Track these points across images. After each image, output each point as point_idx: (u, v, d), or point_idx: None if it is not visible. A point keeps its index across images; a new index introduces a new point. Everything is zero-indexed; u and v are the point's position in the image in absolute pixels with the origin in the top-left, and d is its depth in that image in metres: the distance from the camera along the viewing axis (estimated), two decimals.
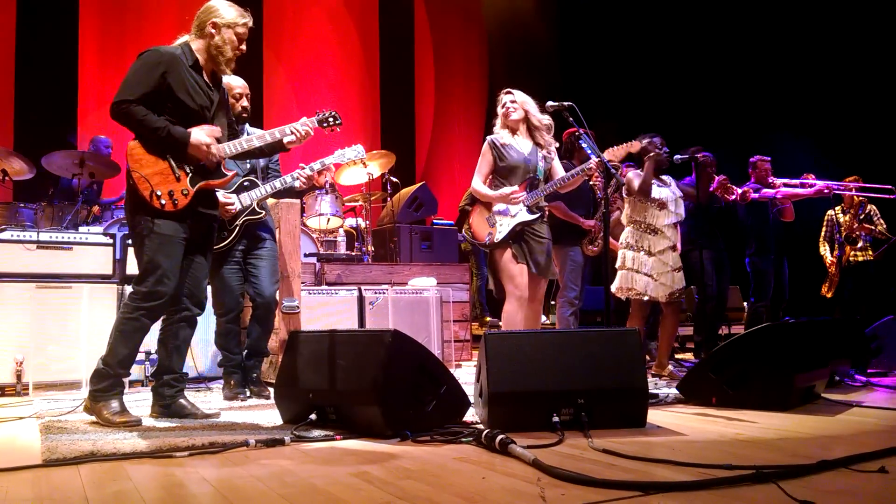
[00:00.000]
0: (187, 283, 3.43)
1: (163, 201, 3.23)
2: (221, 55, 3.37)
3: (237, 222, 4.18)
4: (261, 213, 4.24)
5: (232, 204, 4.11)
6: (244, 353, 4.35)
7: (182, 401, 3.46)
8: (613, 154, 4.29)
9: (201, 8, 3.41)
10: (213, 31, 3.36)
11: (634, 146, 4.42)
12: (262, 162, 4.38)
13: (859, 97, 8.04)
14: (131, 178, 3.24)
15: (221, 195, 4.10)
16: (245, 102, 4.25)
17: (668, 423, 3.17)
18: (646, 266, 4.79)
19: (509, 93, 4.38)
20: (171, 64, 3.27)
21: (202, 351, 5.15)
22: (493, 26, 11.15)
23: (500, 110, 4.38)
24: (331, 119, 3.84)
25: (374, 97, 10.36)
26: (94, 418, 3.27)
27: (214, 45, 3.37)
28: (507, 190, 4.18)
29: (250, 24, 3.45)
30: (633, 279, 4.81)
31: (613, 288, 4.86)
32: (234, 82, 4.25)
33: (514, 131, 4.32)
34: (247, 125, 4.37)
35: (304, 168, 4.22)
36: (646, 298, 4.80)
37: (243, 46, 3.44)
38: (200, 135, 3.29)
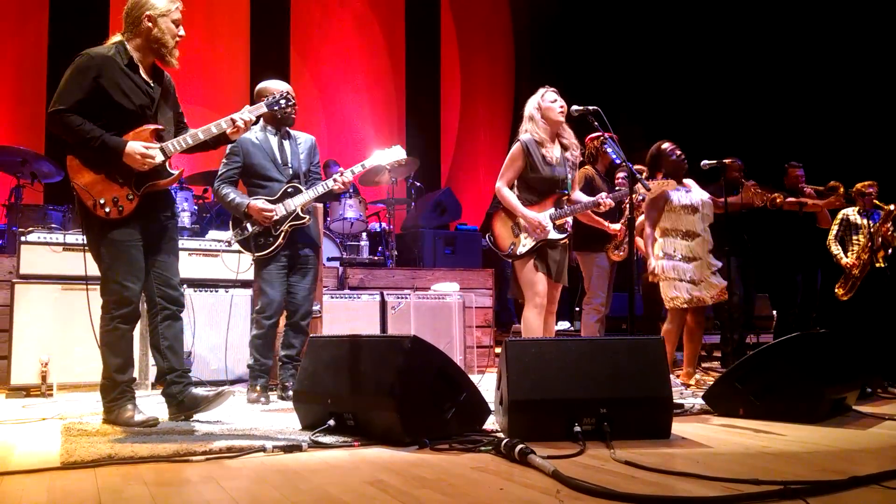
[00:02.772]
0: (156, 284, 3.41)
1: (107, 209, 3.21)
2: (164, 46, 3.34)
3: (282, 228, 4.20)
4: (305, 217, 4.25)
5: (271, 212, 4.13)
6: (280, 361, 4.36)
7: (193, 390, 3.45)
8: (652, 186, 4.23)
9: (128, 4, 3.35)
10: (149, 24, 3.31)
11: (671, 184, 4.36)
12: (304, 166, 4.39)
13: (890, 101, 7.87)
14: (74, 189, 3.22)
15: (261, 203, 4.13)
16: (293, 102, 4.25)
17: (693, 434, 3.10)
18: (688, 273, 4.66)
19: (556, 91, 4.18)
20: (103, 66, 3.22)
21: (222, 354, 5.16)
22: (520, 30, 11.11)
23: (544, 105, 4.14)
24: (283, 102, 3.74)
25: (400, 101, 10.35)
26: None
27: (154, 38, 3.32)
28: (534, 216, 4.06)
29: (181, 7, 3.41)
30: (679, 288, 4.66)
31: (666, 299, 4.74)
32: (278, 86, 4.25)
33: (553, 135, 4.17)
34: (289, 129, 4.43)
35: (343, 172, 4.23)
36: (685, 306, 4.65)
37: (181, 31, 3.39)
38: (135, 146, 3.22)
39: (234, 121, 3.42)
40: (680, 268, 4.67)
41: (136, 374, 3.60)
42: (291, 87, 4.33)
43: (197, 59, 8.66)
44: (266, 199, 4.21)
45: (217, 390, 3.46)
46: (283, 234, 4.20)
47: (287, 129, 4.41)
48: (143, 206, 3.30)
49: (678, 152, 4.82)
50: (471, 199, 9.83)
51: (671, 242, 4.73)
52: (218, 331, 5.17)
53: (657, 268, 4.72)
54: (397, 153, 4.38)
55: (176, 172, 3.41)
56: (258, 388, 4.22)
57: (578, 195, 4.32)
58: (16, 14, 8.14)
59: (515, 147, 4.17)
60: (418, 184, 7.82)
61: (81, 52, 3.27)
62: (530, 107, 4.20)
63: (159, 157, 3.30)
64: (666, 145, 4.84)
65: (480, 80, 10.98)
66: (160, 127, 3.36)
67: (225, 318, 5.17)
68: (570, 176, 4.22)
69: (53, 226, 5.38)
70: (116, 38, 3.37)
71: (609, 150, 4.39)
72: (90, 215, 3.24)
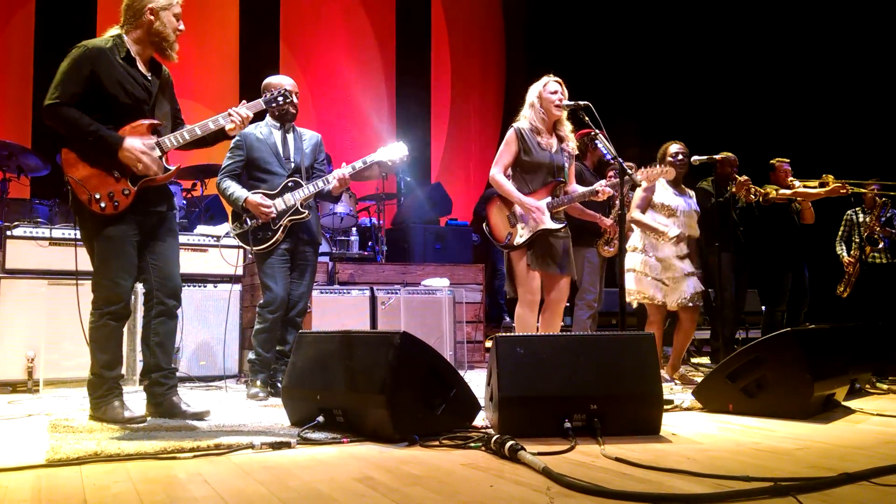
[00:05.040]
0: (154, 276, 3.38)
1: (102, 204, 3.16)
2: (164, 39, 3.32)
3: (281, 222, 4.18)
4: (304, 212, 4.22)
5: (269, 207, 4.12)
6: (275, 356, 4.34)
7: (174, 398, 3.41)
8: (646, 176, 4.23)
9: None
10: (151, 17, 3.29)
11: (670, 174, 4.34)
12: (307, 161, 4.37)
13: (884, 98, 7.89)
14: (69, 183, 3.18)
15: (259, 198, 4.11)
16: (294, 99, 4.25)
17: (683, 430, 3.10)
18: (655, 270, 4.70)
19: (559, 82, 4.12)
20: (99, 59, 3.18)
21: (210, 350, 5.13)
22: (511, 23, 11.07)
23: (544, 95, 4.08)
24: (280, 98, 3.73)
25: (390, 95, 10.31)
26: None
27: (156, 32, 3.30)
28: (532, 202, 4.02)
29: (182, 1, 3.40)
30: (643, 283, 4.71)
31: (631, 291, 4.76)
32: (285, 81, 4.28)
33: (550, 126, 4.14)
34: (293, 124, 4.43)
35: (343, 167, 4.23)
36: (658, 303, 4.71)
37: (181, 25, 3.38)
38: (134, 142, 3.19)
39: (231, 116, 3.40)
40: (650, 264, 4.72)
41: (123, 370, 3.56)
42: (295, 83, 4.31)
43: (186, 52, 8.54)
44: (265, 193, 4.19)
45: (200, 411, 3.40)
46: (281, 228, 4.18)
47: (292, 125, 4.41)
48: (139, 201, 3.26)
49: (680, 157, 4.88)
50: (461, 194, 9.81)
51: (645, 238, 4.78)
52: (206, 326, 5.15)
53: (631, 260, 4.76)
54: (400, 150, 4.35)
55: (173, 168, 3.37)
56: (259, 383, 4.20)
57: (575, 187, 4.29)
58: (1, 7, 8.04)
59: (509, 133, 4.12)
60: (408, 179, 7.79)
61: (77, 43, 3.22)
62: (531, 94, 4.17)
63: (156, 153, 3.27)
64: (673, 148, 4.94)
65: (471, 73, 10.95)
66: (157, 122, 3.33)
67: (213, 313, 5.14)
68: (566, 165, 4.18)
69: (40, 220, 5.31)
70: (114, 30, 3.34)
71: (600, 145, 4.38)
72: (85, 210, 3.19)
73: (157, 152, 3.27)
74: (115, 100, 3.21)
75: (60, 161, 3.22)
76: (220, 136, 3.49)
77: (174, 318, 3.48)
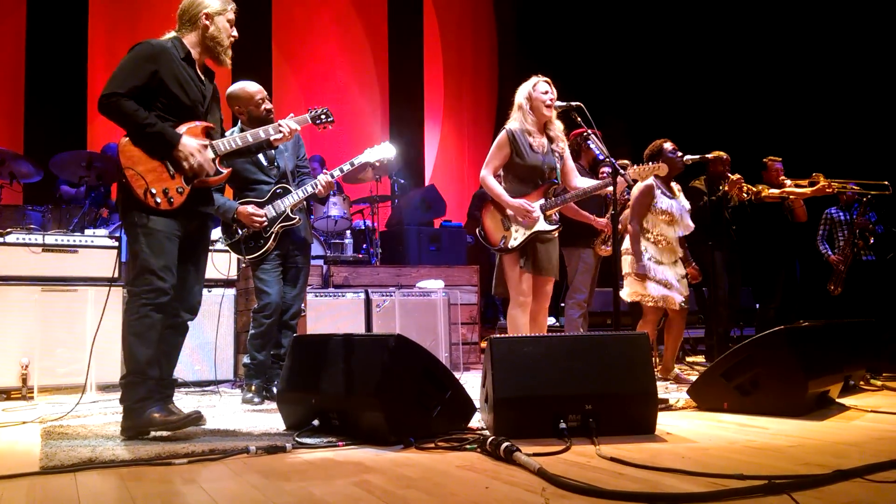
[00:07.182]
0: (178, 286, 3.32)
1: (157, 199, 3.14)
2: (219, 44, 3.33)
3: (273, 229, 4.17)
4: (294, 218, 4.22)
5: (262, 216, 4.11)
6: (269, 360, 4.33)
7: (169, 406, 3.37)
8: (637, 173, 4.21)
9: (184, 3, 3.35)
10: (207, 22, 3.30)
11: (663, 169, 4.33)
12: (290, 164, 4.35)
13: (872, 97, 7.93)
14: (124, 175, 3.13)
15: (251, 208, 4.10)
16: (268, 105, 4.26)
17: (677, 429, 3.10)
18: (655, 272, 4.68)
19: (549, 82, 4.11)
20: (162, 57, 3.18)
21: (205, 355, 5.13)
22: (503, 26, 11.09)
23: (534, 96, 4.07)
24: (323, 116, 3.80)
25: (384, 98, 10.31)
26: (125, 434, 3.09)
27: (210, 36, 3.32)
28: (519, 201, 4.00)
29: (236, 8, 3.44)
30: (644, 285, 4.69)
31: (624, 294, 4.75)
32: (252, 88, 4.27)
33: (541, 126, 4.11)
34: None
35: (326, 173, 4.24)
36: (657, 304, 4.69)
37: (235, 32, 3.41)
38: (191, 141, 3.19)
39: (280, 128, 3.47)
40: (649, 267, 4.69)
41: (119, 372, 3.52)
42: (262, 87, 4.30)
43: None
44: (255, 202, 4.17)
45: (193, 414, 3.26)
46: (273, 235, 4.17)
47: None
48: (189, 200, 3.24)
49: (679, 153, 4.84)
50: (455, 195, 9.81)
51: (643, 243, 4.75)
52: (201, 331, 5.14)
53: (627, 263, 4.75)
54: (387, 150, 4.36)
55: (225, 171, 3.35)
56: (254, 387, 4.19)
57: (580, 181, 4.25)
58: None
59: (501, 135, 4.09)
60: (402, 181, 7.79)
61: (140, 41, 3.23)
62: (520, 95, 4.14)
63: (210, 155, 3.26)
64: (668, 145, 4.87)
65: (464, 76, 10.96)
66: (211, 125, 3.33)
67: (207, 318, 5.13)
68: (558, 165, 4.16)
69: (33, 226, 5.31)
70: (171, 34, 3.35)
71: (592, 146, 4.40)
72: (136, 202, 3.12)
73: (211, 154, 3.28)
74: (175, 97, 3.20)
75: (118, 151, 3.15)
76: (263, 146, 3.55)
77: (184, 333, 3.43)
